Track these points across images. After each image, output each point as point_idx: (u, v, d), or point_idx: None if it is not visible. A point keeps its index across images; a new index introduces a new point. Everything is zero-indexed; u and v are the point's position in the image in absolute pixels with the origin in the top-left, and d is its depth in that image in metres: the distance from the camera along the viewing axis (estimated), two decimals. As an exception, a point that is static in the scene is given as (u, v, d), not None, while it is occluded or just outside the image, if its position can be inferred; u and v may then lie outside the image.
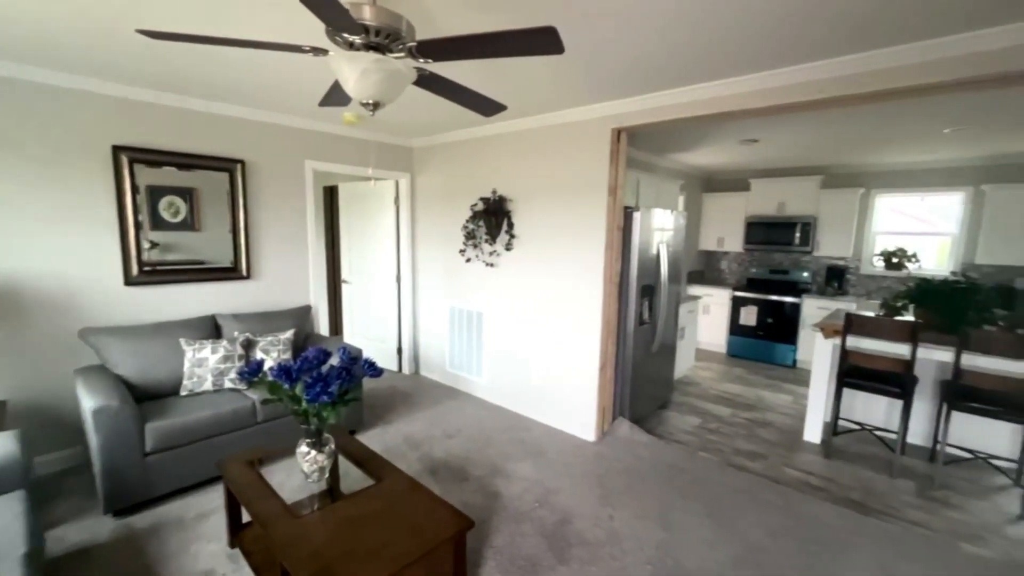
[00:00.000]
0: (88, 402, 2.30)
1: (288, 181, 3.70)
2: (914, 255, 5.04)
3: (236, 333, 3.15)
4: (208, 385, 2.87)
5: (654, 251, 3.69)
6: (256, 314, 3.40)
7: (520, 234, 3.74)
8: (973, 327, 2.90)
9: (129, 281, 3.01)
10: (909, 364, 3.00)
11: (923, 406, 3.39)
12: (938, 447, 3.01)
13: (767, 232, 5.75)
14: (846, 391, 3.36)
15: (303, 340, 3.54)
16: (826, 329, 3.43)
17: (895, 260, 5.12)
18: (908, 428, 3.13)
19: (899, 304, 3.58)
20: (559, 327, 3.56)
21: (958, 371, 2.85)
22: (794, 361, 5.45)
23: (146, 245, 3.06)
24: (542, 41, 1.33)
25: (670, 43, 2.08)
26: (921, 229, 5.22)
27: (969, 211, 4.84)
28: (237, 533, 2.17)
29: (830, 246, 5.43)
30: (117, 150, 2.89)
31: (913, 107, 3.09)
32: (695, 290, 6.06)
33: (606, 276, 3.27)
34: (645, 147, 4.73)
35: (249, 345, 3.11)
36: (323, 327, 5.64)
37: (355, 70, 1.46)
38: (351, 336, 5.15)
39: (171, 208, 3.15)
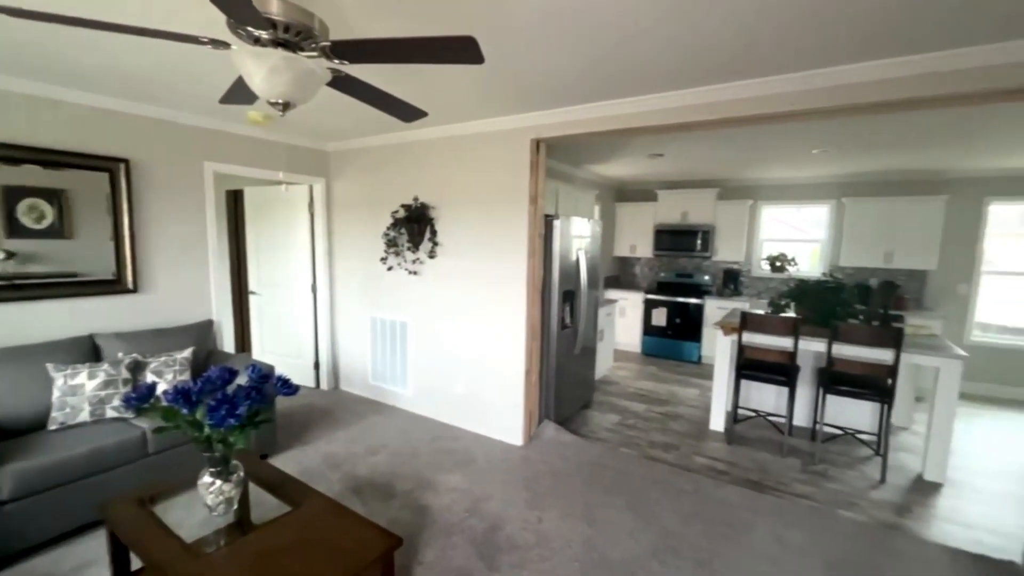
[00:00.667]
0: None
1: (184, 184, 3.35)
2: (793, 259, 5.77)
3: (120, 355, 2.78)
4: (85, 416, 2.50)
5: (574, 257, 3.84)
6: (146, 332, 3.02)
7: (444, 242, 3.71)
8: (840, 321, 3.36)
9: (-24, 298, 2.54)
10: (792, 355, 3.40)
11: (805, 391, 3.85)
12: (817, 427, 3.44)
13: (673, 239, 6.24)
14: (743, 382, 3.73)
15: (205, 359, 3.21)
16: (725, 327, 3.79)
17: (778, 264, 5.82)
18: (794, 412, 3.55)
19: (783, 302, 4.05)
20: (485, 334, 3.58)
21: (830, 359, 3.28)
22: (699, 357, 5.95)
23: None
24: (462, 50, 1.34)
25: (581, 61, 2.19)
26: (798, 236, 5.96)
27: (834, 220, 5.62)
28: (125, 583, 1.90)
29: (726, 252, 6.02)
30: (-42, 144, 2.44)
31: (788, 131, 3.54)
32: (612, 294, 6.40)
33: (529, 282, 3.35)
34: (563, 158, 4.93)
35: (137, 368, 2.76)
36: (228, 344, 5.17)
37: (262, 67, 1.37)
38: (261, 353, 4.76)
39: (33, 212, 2.71)
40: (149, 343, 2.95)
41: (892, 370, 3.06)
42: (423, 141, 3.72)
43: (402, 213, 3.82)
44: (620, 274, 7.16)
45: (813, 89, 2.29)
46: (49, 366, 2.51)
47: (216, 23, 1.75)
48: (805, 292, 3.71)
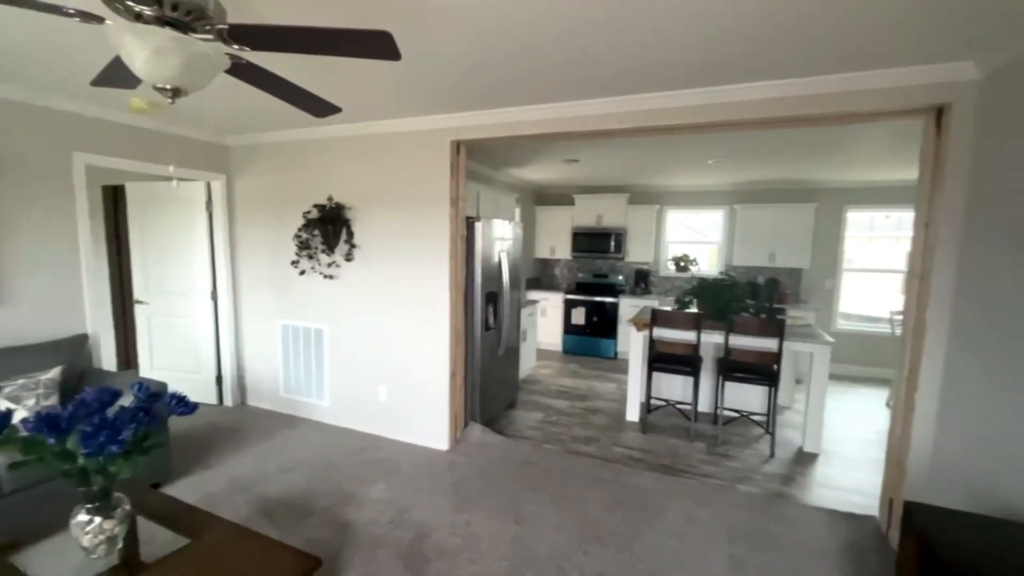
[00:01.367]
0: None
1: (47, 177, 2.88)
2: (695, 260, 6.30)
3: (-39, 379, 2.33)
4: (-90, 456, 2.05)
5: (496, 259, 3.88)
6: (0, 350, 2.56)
7: (362, 243, 3.56)
8: (735, 314, 3.73)
9: None
10: (696, 347, 3.72)
11: (707, 380, 4.22)
12: (718, 411, 3.79)
13: (589, 241, 6.54)
14: (655, 374, 4.00)
15: (77, 379, 2.79)
16: (637, 323, 4.04)
17: (682, 264, 6.33)
18: (699, 399, 3.87)
19: (687, 299, 4.40)
20: (408, 338, 3.49)
21: (727, 350, 3.63)
22: (615, 353, 6.28)
23: None
24: (376, 45, 1.30)
25: (499, 64, 2.23)
26: (698, 239, 6.53)
27: (727, 224, 6.23)
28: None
29: (637, 253, 6.43)
30: None
31: (687, 142, 3.87)
32: (533, 295, 6.55)
33: (452, 284, 3.32)
34: (484, 161, 4.96)
35: (-15, 394, 2.32)
36: (109, 361, 4.53)
37: (145, 47, 1.22)
38: (151, 369, 4.23)
39: None
40: (2, 363, 2.50)
41: (777, 357, 3.46)
42: (338, 138, 3.54)
43: (315, 214, 3.61)
44: (541, 275, 7.35)
45: (707, 104, 2.53)
46: None
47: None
48: (705, 289, 4.07)
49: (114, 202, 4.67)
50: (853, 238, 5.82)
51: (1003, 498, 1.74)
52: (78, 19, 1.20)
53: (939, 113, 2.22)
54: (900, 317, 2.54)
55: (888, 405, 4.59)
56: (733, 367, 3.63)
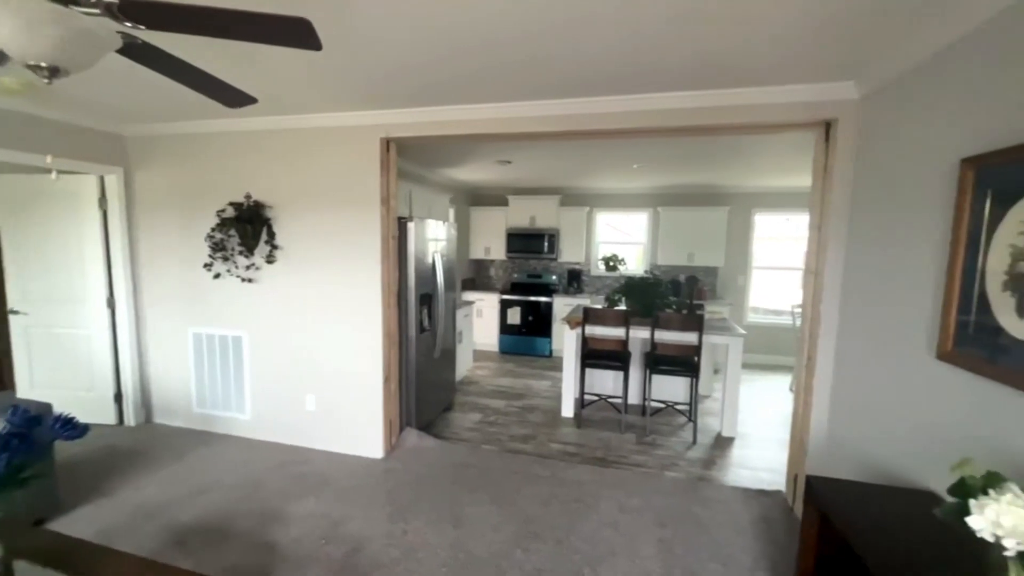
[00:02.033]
0: None
1: None
2: (623, 259, 6.60)
3: None
4: None
5: (430, 260, 3.81)
6: None
7: (285, 245, 3.35)
8: (660, 311, 3.95)
9: None
10: (625, 343, 3.89)
11: (636, 374, 4.43)
12: (647, 403, 3.99)
13: (523, 242, 6.63)
14: (588, 370, 4.14)
15: (-70, 405, 2.36)
16: (571, 321, 4.15)
17: (611, 263, 6.60)
18: (628, 392, 4.06)
19: (616, 297, 4.60)
20: (337, 343, 3.33)
21: (653, 344, 3.84)
22: (550, 351, 6.42)
23: None
24: (294, 33, 1.22)
25: (428, 63, 2.19)
26: (626, 239, 6.84)
27: (652, 226, 6.59)
28: None
29: (569, 254, 6.61)
30: None
31: (613, 147, 4.04)
32: (469, 296, 6.52)
33: (384, 286, 3.22)
34: (416, 160, 4.86)
35: None
36: (-28, 382, 3.89)
37: (14, 17, 1.06)
38: (32, 388, 3.69)
39: None
40: None
41: (697, 349, 3.71)
42: (258, 132, 3.30)
43: (231, 212, 3.34)
44: (476, 276, 7.33)
45: (628, 111, 2.66)
46: None
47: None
48: (632, 288, 4.28)
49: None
50: (760, 239, 6.38)
51: (878, 465, 1.99)
52: (-77, -20, 1.02)
53: (828, 127, 2.49)
54: (799, 310, 2.82)
55: (791, 390, 5.09)
56: (659, 360, 3.84)
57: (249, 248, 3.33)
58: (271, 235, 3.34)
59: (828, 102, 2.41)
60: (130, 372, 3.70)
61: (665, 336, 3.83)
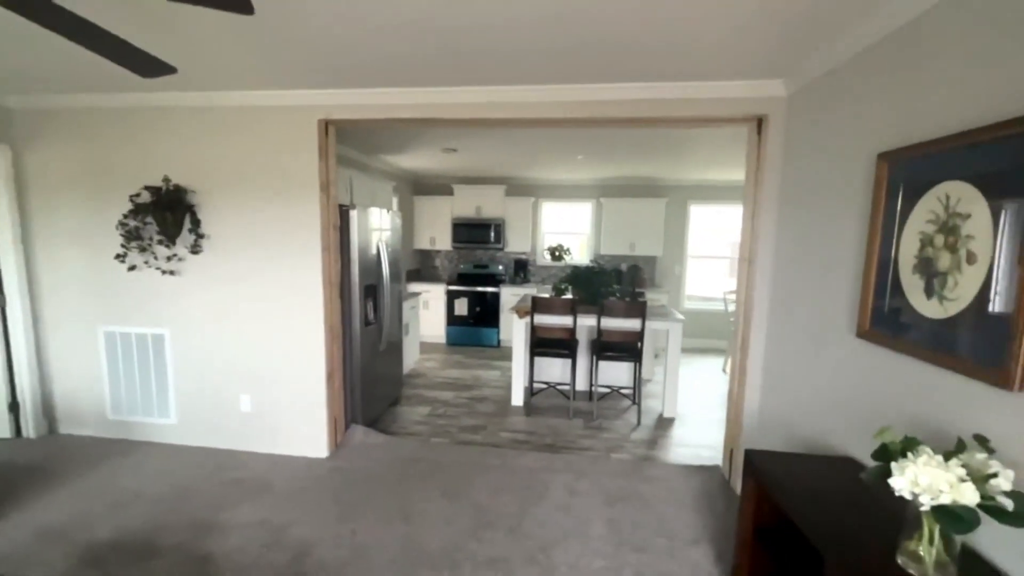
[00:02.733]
0: None
1: None
2: (568, 249, 6.71)
3: None
4: None
5: (374, 250, 3.67)
6: None
7: (212, 233, 3.08)
8: (604, 299, 4.06)
9: None
10: (572, 331, 3.97)
11: (583, 361, 4.54)
12: (593, 388, 4.11)
13: (469, 232, 6.56)
14: (537, 359, 4.18)
15: None
16: (519, 311, 4.17)
17: (557, 253, 6.70)
18: (576, 379, 4.15)
19: (563, 286, 4.67)
20: (275, 339, 3.13)
21: (599, 331, 3.94)
22: (499, 341, 6.43)
23: None
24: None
25: (370, 42, 2.08)
26: (570, 230, 6.96)
27: (595, 216, 6.75)
28: None
29: (516, 243, 6.63)
30: None
31: (557, 138, 4.06)
32: (415, 287, 6.37)
33: (325, 278, 3.06)
34: (356, 145, 4.65)
35: None
36: None
37: None
38: None
39: None
40: None
41: (640, 335, 3.86)
42: (178, 108, 2.99)
43: (147, 197, 3.01)
44: (422, 267, 7.18)
45: (573, 101, 2.69)
46: None
47: None
48: (578, 277, 4.36)
49: None
50: (695, 230, 6.73)
51: (806, 436, 2.17)
52: None
53: (760, 123, 2.64)
54: (732, 296, 3.00)
55: (724, 371, 5.44)
56: (604, 347, 3.96)
57: (170, 237, 3.03)
58: (196, 223, 3.06)
59: (759, 98, 2.55)
60: (27, 378, 3.27)
61: (610, 323, 3.95)
